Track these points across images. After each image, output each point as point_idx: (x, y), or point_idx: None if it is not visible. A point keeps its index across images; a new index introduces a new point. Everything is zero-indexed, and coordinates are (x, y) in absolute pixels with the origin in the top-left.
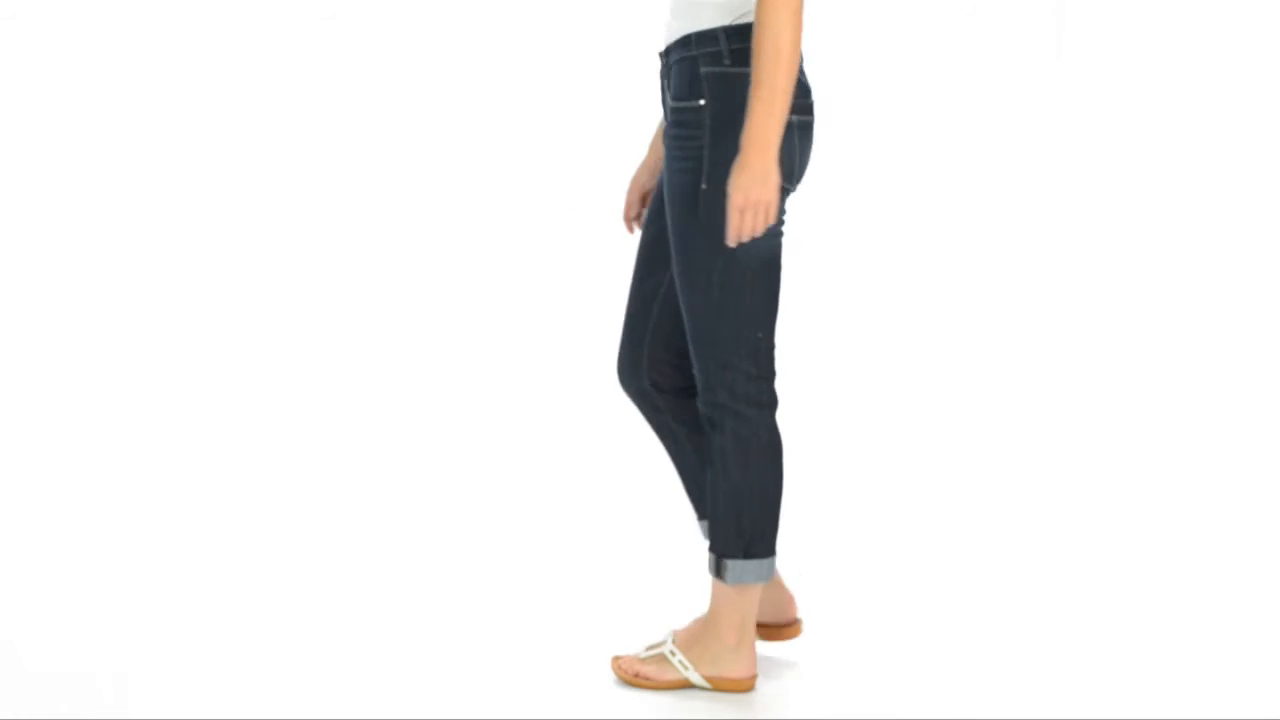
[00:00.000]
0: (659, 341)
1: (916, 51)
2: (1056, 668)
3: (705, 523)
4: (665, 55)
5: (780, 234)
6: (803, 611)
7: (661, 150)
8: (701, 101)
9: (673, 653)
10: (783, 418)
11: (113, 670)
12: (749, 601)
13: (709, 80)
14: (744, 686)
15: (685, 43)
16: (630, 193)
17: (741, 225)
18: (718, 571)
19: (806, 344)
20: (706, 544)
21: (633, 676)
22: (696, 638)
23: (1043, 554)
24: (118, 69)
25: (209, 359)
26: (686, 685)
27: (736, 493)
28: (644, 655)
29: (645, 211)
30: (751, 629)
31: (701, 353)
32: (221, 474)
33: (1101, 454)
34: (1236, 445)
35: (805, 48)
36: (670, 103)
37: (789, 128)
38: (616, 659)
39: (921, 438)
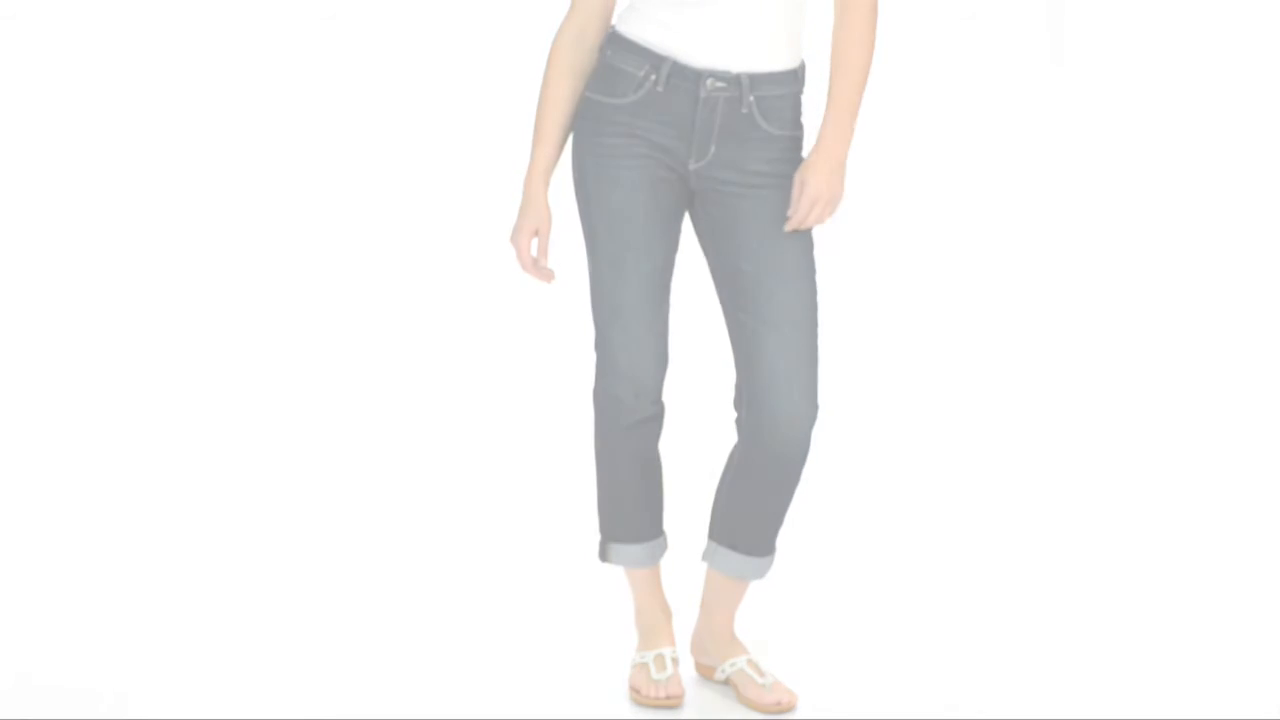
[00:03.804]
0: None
1: (915, 55)
2: (1056, 668)
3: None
4: (740, 81)
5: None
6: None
7: (545, 197)
8: (799, 132)
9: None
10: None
11: (113, 677)
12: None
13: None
14: None
15: (796, 77)
16: (525, 239)
17: (809, 215)
18: (759, 571)
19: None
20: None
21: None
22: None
23: (1043, 554)
24: (118, 68)
25: (207, 363)
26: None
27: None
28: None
29: (650, 242)
30: None
31: (814, 365)
32: (220, 478)
33: (1101, 455)
34: (1238, 447)
35: (804, 53)
36: (773, 130)
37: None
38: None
39: (918, 441)
